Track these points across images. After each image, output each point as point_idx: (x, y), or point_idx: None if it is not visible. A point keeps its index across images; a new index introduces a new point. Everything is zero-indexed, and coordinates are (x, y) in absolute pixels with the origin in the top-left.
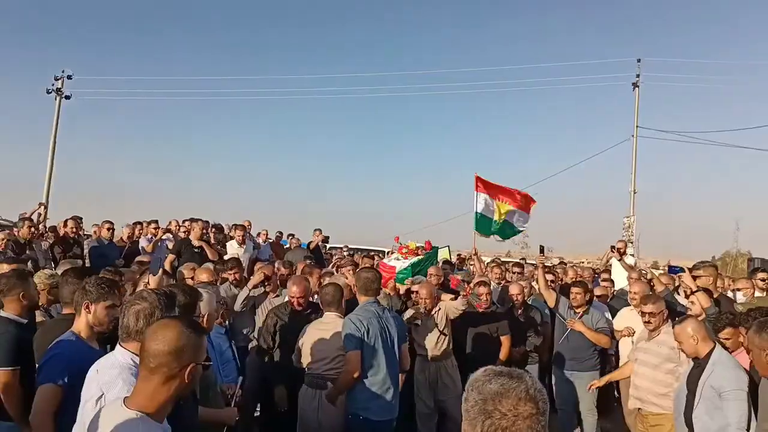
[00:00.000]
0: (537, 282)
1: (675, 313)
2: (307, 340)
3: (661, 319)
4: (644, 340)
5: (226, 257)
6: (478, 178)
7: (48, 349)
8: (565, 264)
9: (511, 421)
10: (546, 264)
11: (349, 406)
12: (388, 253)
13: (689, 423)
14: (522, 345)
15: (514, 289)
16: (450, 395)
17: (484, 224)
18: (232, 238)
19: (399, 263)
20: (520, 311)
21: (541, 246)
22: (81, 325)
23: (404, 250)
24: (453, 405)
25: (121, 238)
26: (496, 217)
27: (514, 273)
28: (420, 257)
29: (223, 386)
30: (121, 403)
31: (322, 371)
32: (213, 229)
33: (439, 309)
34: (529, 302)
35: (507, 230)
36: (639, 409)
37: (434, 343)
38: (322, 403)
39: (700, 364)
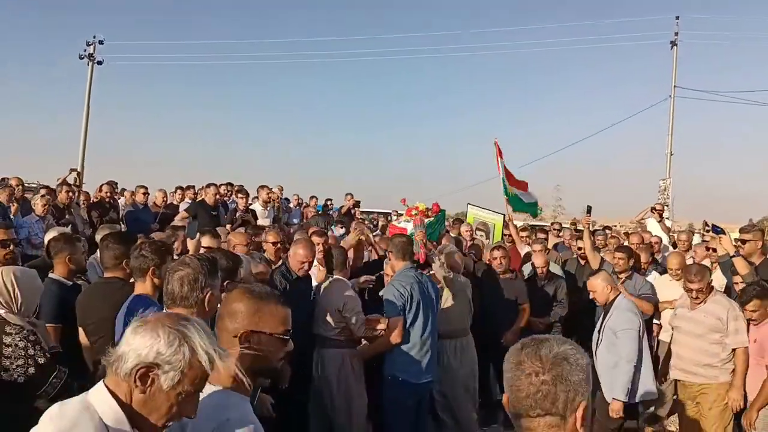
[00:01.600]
0: (583, 244)
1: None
2: (330, 303)
3: (707, 291)
4: (686, 308)
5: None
6: (498, 146)
7: (129, 307)
8: (610, 229)
9: (515, 373)
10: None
11: (387, 368)
12: (392, 215)
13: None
14: (547, 316)
15: (538, 260)
16: (453, 377)
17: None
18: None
19: (409, 225)
20: (544, 282)
21: (588, 206)
22: (148, 288)
23: (414, 212)
24: (454, 389)
25: (155, 203)
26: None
27: (534, 240)
28: (431, 219)
29: None
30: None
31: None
32: (239, 194)
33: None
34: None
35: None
36: (679, 380)
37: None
38: (349, 366)
39: (606, 310)
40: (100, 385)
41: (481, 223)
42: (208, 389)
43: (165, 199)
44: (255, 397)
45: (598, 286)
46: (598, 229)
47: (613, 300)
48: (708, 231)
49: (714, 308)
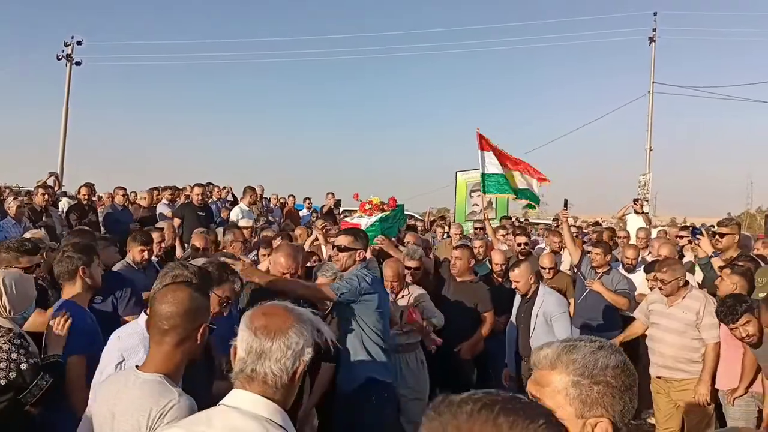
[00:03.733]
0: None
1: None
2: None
3: (677, 286)
4: (662, 303)
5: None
6: (480, 136)
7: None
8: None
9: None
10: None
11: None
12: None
13: (526, 348)
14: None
15: (497, 258)
16: (410, 396)
17: (497, 184)
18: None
19: (364, 220)
20: (501, 280)
21: (565, 200)
22: (78, 290)
23: (367, 206)
24: (413, 408)
25: (140, 204)
26: (503, 171)
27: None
28: (387, 213)
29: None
30: (135, 369)
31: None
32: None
33: (409, 294)
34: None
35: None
36: (660, 377)
37: (394, 332)
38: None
39: (529, 299)
40: (249, 395)
41: (488, 201)
42: (146, 377)
43: (151, 200)
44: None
45: (522, 276)
46: (581, 225)
47: (536, 289)
48: (691, 230)
49: (691, 303)
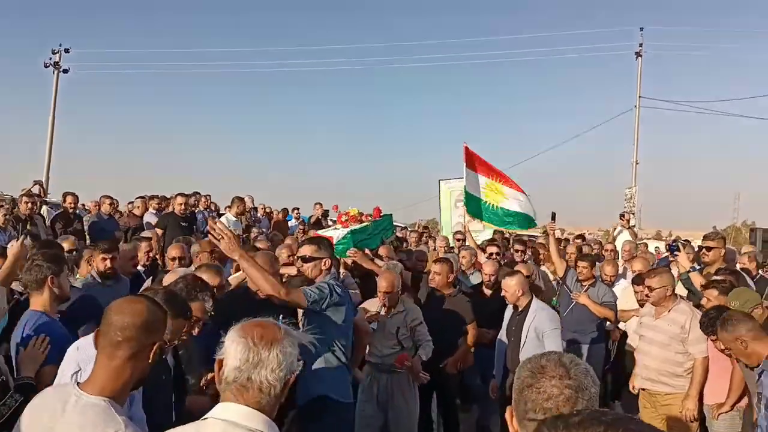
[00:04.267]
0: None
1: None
2: None
3: (664, 294)
4: (650, 316)
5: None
6: (468, 151)
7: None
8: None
9: (536, 378)
10: (557, 232)
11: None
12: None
13: (515, 362)
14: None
15: (487, 268)
16: (402, 417)
17: (473, 204)
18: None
19: (337, 232)
20: (491, 292)
21: (552, 213)
22: (45, 300)
23: (344, 218)
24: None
25: (132, 212)
26: (485, 198)
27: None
28: (365, 224)
29: None
30: (76, 388)
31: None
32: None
33: (405, 309)
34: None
35: (508, 218)
36: (644, 389)
37: (388, 350)
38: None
39: (521, 313)
40: (240, 408)
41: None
42: (89, 401)
43: (144, 209)
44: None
45: (510, 288)
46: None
47: (528, 303)
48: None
49: (677, 317)
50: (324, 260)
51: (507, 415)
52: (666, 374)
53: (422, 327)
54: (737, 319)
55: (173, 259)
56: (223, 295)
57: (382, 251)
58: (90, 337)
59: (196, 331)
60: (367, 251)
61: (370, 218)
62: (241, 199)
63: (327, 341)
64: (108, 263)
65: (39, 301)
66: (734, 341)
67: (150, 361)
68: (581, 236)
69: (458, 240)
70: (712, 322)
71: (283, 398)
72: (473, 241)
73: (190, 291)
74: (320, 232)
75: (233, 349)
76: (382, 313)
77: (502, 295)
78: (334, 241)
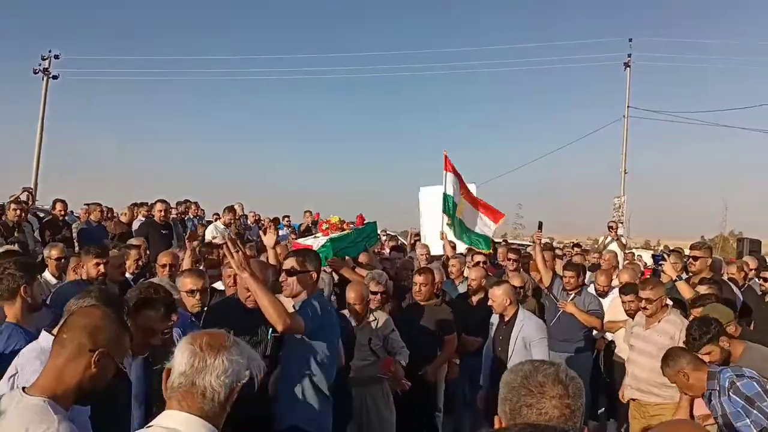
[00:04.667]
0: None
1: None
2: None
3: (658, 306)
4: (641, 326)
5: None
6: (447, 159)
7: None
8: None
9: (536, 398)
10: (543, 240)
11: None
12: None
13: (502, 372)
14: (483, 334)
15: (473, 274)
16: None
17: (450, 207)
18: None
19: (317, 241)
20: (476, 299)
21: (539, 222)
22: (17, 311)
23: (325, 226)
24: None
25: (120, 220)
26: (460, 207)
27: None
28: (346, 232)
29: None
30: (20, 391)
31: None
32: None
33: (375, 319)
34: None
35: (469, 233)
36: (635, 399)
37: (361, 362)
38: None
39: (508, 322)
40: (183, 415)
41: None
42: (29, 402)
43: (133, 216)
44: None
45: (497, 297)
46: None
47: (515, 313)
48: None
49: (667, 327)
50: (311, 273)
51: (495, 425)
52: (655, 384)
53: (395, 335)
54: (677, 354)
55: (164, 266)
56: (215, 303)
57: (362, 258)
58: (33, 342)
59: (154, 341)
60: (348, 259)
61: (352, 226)
62: (233, 209)
63: (304, 368)
64: (101, 268)
65: (11, 312)
66: (677, 374)
67: (95, 370)
68: (577, 245)
69: (452, 248)
70: (693, 340)
71: (229, 408)
72: (450, 249)
73: (140, 301)
74: (299, 241)
75: (180, 356)
76: (353, 324)
77: (489, 304)
78: (314, 249)
